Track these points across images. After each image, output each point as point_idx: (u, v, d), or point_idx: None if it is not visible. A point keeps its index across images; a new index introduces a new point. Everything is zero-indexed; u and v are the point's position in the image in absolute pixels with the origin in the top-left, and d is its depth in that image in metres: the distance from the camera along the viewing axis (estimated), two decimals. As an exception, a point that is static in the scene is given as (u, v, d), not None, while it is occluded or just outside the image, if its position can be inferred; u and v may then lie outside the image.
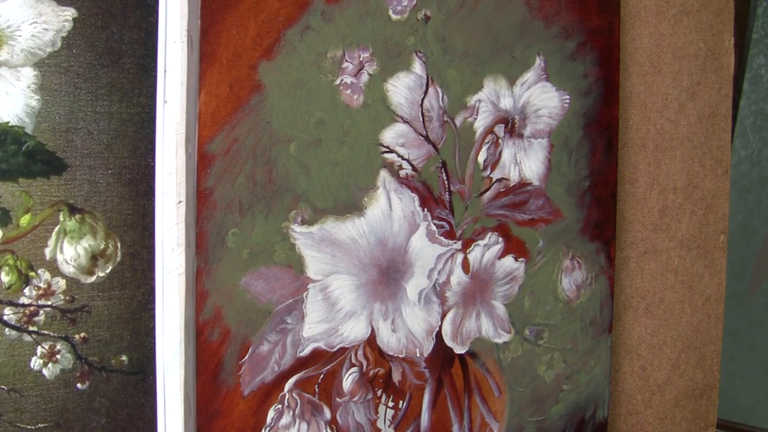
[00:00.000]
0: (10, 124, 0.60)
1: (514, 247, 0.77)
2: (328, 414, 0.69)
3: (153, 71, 0.64)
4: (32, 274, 0.61)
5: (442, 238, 0.72)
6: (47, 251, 0.62)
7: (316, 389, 0.68)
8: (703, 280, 0.96)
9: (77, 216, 0.63)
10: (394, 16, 0.69)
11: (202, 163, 0.62)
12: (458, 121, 0.73)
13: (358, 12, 0.68)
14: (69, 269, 0.63)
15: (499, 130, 0.76)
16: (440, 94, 0.72)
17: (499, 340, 0.77)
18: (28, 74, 0.61)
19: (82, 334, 0.63)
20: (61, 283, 0.62)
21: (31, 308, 0.61)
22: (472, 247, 0.74)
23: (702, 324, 0.96)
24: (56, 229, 0.62)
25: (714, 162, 0.95)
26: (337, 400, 0.69)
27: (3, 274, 0.60)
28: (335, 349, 0.68)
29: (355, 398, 0.70)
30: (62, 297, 0.62)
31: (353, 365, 0.69)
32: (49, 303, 0.62)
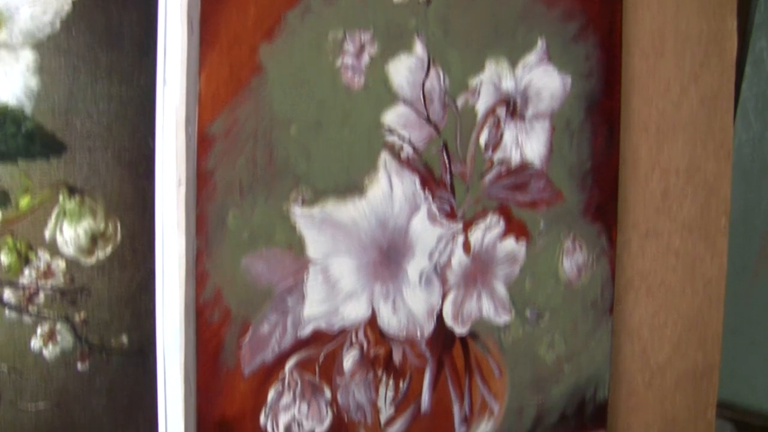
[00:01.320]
0: (9, 106, 0.60)
1: (515, 228, 0.77)
2: (328, 394, 0.69)
3: (153, 53, 0.64)
4: (32, 255, 0.61)
5: (443, 220, 0.72)
6: (47, 232, 0.62)
7: (317, 369, 0.68)
8: (704, 262, 0.96)
9: (77, 197, 0.63)
10: (394, -3, 0.69)
11: (203, 145, 0.62)
12: (460, 102, 0.73)
13: (358, -8, 0.67)
14: (69, 250, 0.63)
15: (501, 111, 0.75)
16: (441, 76, 0.72)
17: (500, 322, 0.77)
18: (27, 56, 0.60)
19: (82, 315, 0.63)
20: (60, 265, 0.62)
21: (31, 289, 0.62)
22: (473, 228, 0.74)
23: (703, 305, 0.96)
24: (56, 210, 0.62)
25: (716, 145, 0.95)
26: (338, 380, 0.69)
27: (2, 255, 0.60)
28: (336, 330, 0.68)
29: (356, 378, 0.70)
30: (62, 278, 0.62)
31: (353, 346, 0.70)
32: (48, 284, 0.62)
